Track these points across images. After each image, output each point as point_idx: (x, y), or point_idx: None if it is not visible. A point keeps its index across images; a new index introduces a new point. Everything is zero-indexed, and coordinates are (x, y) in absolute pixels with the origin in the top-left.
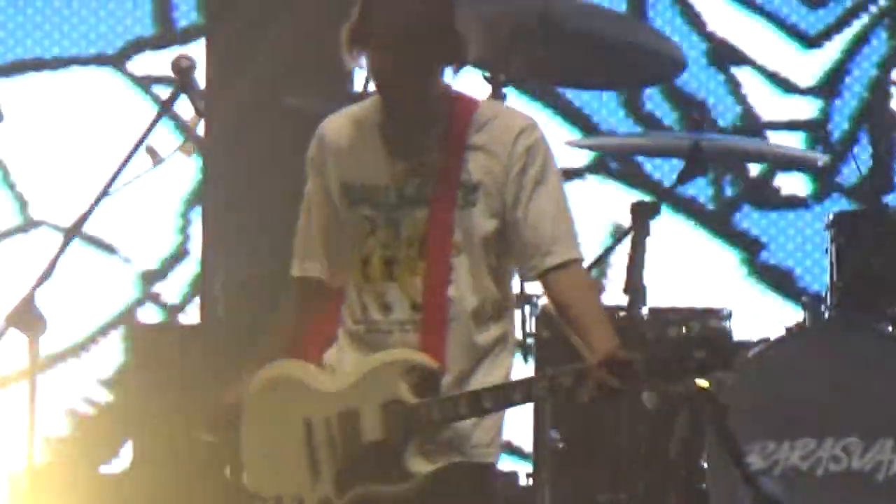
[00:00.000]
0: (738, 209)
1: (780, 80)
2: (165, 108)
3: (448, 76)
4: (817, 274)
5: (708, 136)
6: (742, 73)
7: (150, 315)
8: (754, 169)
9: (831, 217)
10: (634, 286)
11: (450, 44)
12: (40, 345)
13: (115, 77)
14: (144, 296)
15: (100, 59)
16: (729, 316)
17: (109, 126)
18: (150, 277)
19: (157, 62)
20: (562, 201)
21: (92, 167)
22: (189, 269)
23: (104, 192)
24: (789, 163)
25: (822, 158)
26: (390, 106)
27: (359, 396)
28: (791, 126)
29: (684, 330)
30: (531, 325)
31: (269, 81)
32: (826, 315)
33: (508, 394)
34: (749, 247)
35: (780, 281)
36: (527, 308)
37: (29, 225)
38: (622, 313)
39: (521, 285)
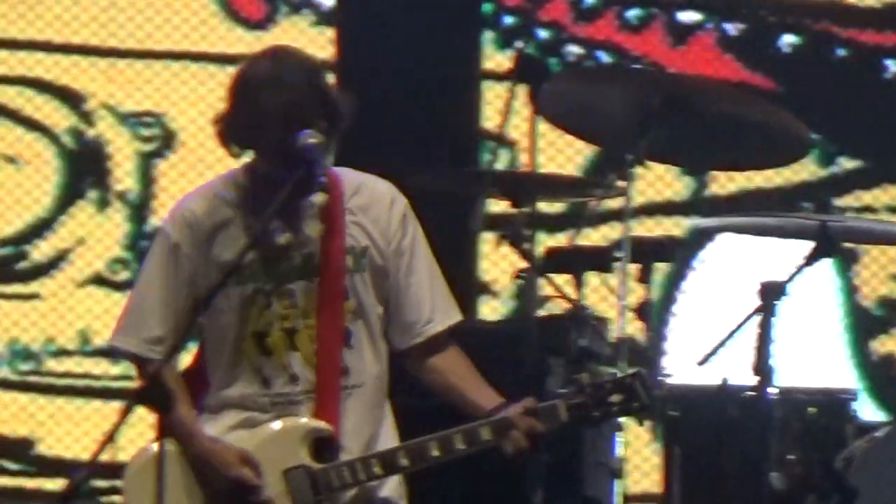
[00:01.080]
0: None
1: None
2: None
3: None
4: None
5: (836, 218)
6: None
7: None
8: None
9: None
10: (762, 366)
11: (328, 114)
12: None
13: None
14: None
15: None
16: (856, 396)
17: None
18: None
19: None
20: (434, 267)
21: None
22: None
23: None
24: None
25: None
26: (274, 180)
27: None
28: None
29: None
30: None
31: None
32: None
33: (425, 451)
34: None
35: None
36: None
37: None
38: (750, 393)
39: None
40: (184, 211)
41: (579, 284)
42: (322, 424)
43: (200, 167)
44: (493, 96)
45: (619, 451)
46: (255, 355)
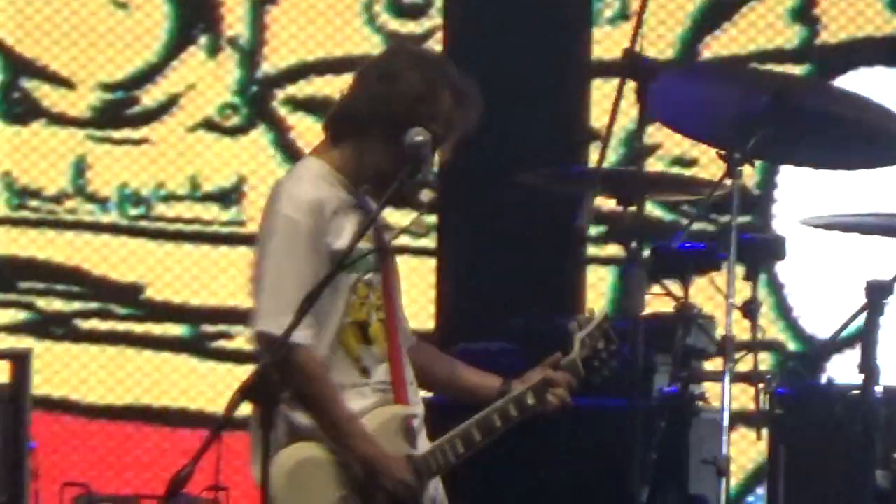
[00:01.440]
0: None
1: None
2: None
3: None
4: None
5: None
6: None
7: None
8: None
9: None
10: (868, 365)
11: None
12: None
13: None
14: None
15: None
16: None
17: None
18: None
19: None
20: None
21: None
22: None
23: None
24: None
25: None
26: (382, 184)
27: None
28: None
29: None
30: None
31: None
32: None
33: (491, 423)
34: None
35: None
36: None
37: None
38: (856, 392)
39: None
40: (309, 199)
41: (686, 283)
42: (412, 410)
43: (312, 13)
44: (600, 95)
45: (725, 449)
46: (357, 344)
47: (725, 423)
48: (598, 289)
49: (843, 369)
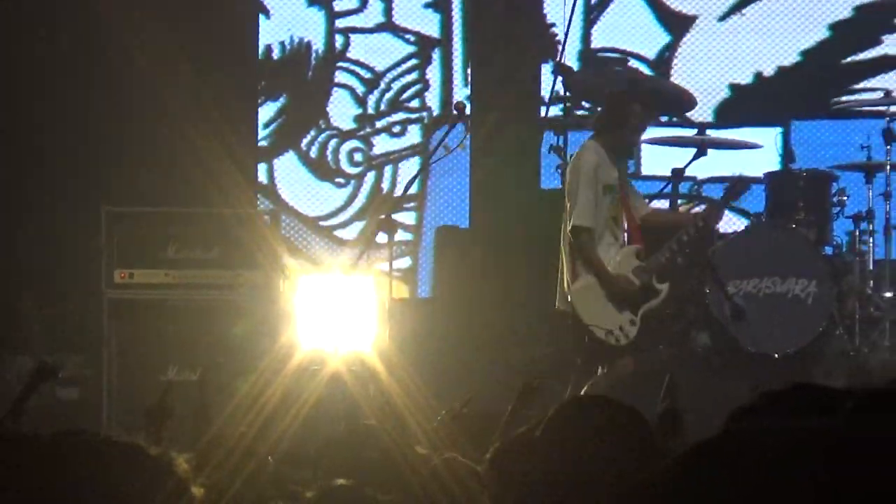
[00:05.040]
0: None
1: None
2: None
3: None
4: None
5: None
6: None
7: None
8: None
9: None
10: None
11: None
12: None
13: None
14: None
15: None
16: None
17: None
18: None
19: None
20: None
21: None
22: None
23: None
24: None
25: None
26: (630, 143)
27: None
28: None
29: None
30: None
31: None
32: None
33: (687, 231)
34: None
35: None
36: None
37: None
38: None
39: None
40: (592, 159)
41: None
42: (638, 247)
43: None
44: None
45: None
46: (612, 227)
47: None
48: None
49: None
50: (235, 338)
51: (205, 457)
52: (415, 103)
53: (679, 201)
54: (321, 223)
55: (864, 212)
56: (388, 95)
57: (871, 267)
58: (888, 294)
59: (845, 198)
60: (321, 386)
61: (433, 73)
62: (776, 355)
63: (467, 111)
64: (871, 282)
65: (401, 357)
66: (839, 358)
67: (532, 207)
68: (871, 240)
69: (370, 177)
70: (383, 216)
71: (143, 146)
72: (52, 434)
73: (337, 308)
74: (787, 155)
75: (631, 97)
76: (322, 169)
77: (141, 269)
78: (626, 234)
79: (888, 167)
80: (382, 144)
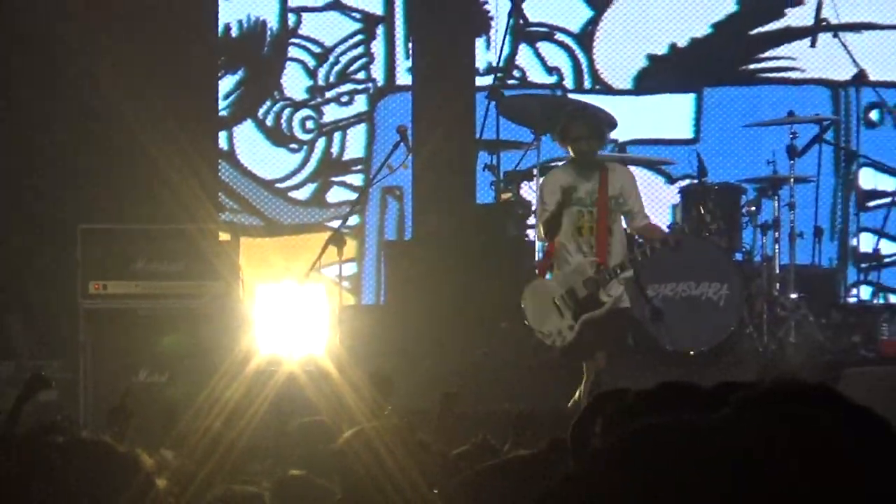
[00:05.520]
0: None
1: None
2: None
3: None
4: None
5: None
6: None
7: None
8: None
9: None
10: None
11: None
12: None
13: None
14: None
15: None
16: None
17: None
18: None
19: None
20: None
21: None
22: None
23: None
24: None
25: None
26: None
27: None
28: None
29: None
30: None
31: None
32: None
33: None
34: None
35: None
36: None
37: None
38: None
39: None
40: (551, 178)
41: None
42: (596, 259)
43: None
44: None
45: None
46: (576, 237)
47: None
48: None
49: None
50: (193, 346)
51: (174, 450)
52: (361, 75)
53: None
54: (277, 185)
55: (770, 221)
56: (336, 68)
57: (777, 271)
58: (793, 295)
59: (754, 208)
60: (278, 386)
61: (377, 47)
62: (692, 353)
63: (409, 134)
64: (778, 284)
65: (350, 359)
66: (749, 355)
67: (468, 220)
68: (776, 246)
69: (321, 142)
70: (331, 233)
71: (110, 164)
72: (24, 434)
73: (291, 315)
74: (700, 170)
75: (569, 116)
76: (277, 136)
77: (113, 281)
78: (593, 246)
79: (792, 180)
80: (332, 113)
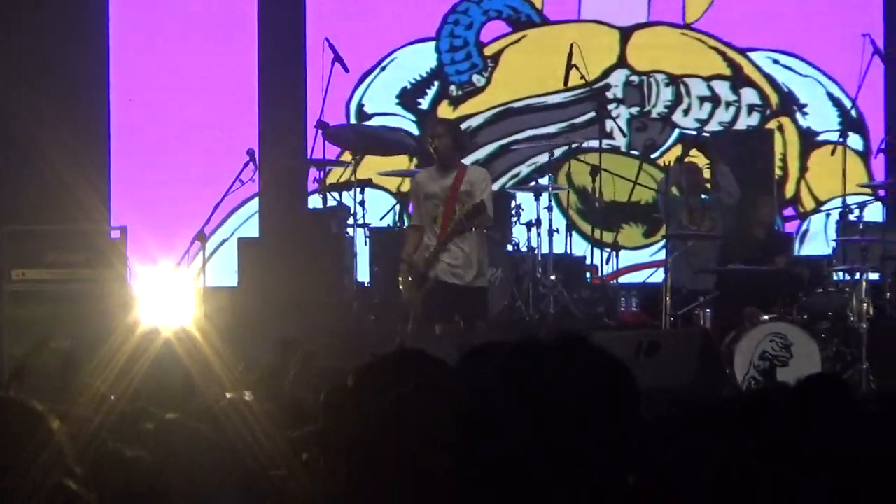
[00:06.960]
0: None
1: None
2: None
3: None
4: None
5: None
6: None
7: None
8: None
9: None
10: None
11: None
12: None
13: None
14: None
15: None
16: None
17: None
18: None
19: None
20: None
21: None
22: None
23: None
24: None
25: None
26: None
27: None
28: None
29: None
30: None
31: None
32: None
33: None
34: None
35: None
36: None
37: None
38: None
39: None
40: (416, 178)
41: None
42: (436, 243)
43: None
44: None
45: None
46: (432, 226)
47: None
48: None
49: None
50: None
51: (73, 402)
52: None
53: None
54: None
55: (534, 220)
56: None
57: (539, 258)
58: (552, 277)
59: (522, 210)
60: (157, 349)
61: None
62: None
63: (256, 155)
64: (540, 269)
65: (212, 329)
66: (518, 323)
67: (301, 221)
68: (539, 239)
69: None
70: (198, 232)
71: (21, 168)
72: None
73: (167, 294)
74: None
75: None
76: None
77: (30, 269)
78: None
79: (550, 188)
80: None
